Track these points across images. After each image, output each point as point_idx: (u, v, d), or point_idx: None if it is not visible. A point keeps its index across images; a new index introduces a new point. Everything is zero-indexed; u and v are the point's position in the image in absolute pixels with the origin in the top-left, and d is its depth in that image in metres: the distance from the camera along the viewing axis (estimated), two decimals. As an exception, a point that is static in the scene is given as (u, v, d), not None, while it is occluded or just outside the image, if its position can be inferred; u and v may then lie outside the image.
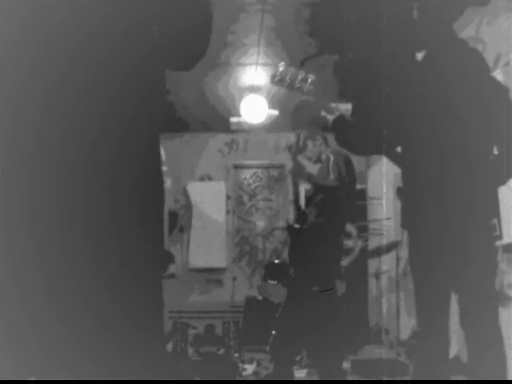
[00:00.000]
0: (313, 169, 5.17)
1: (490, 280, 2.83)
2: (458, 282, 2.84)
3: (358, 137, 2.99)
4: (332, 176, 4.92)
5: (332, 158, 4.99)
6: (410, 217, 2.92)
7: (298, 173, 5.15)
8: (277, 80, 2.86)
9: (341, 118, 2.95)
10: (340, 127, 2.95)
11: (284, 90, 2.91)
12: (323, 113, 2.97)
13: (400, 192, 2.96)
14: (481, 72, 2.94)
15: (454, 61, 2.90)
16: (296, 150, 5.17)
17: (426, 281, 2.86)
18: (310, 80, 2.85)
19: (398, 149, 2.99)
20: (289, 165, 5.24)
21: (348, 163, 4.96)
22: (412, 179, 2.91)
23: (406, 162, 2.93)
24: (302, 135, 5.14)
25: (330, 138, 4.37)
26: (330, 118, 2.95)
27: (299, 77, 2.84)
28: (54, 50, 1.88)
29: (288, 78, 2.84)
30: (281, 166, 9.28)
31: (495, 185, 2.89)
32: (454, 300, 2.89)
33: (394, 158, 3.00)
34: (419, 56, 2.95)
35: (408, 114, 2.87)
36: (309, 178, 5.16)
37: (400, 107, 2.87)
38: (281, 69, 2.85)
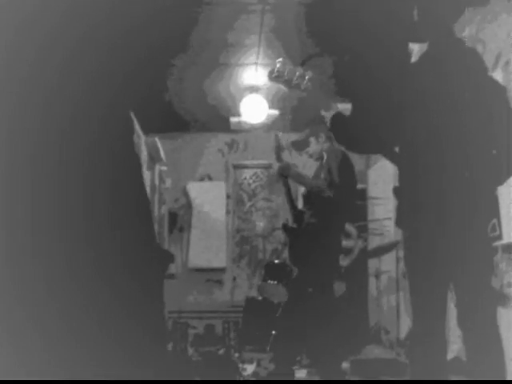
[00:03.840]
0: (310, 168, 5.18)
1: (488, 279, 2.82)
2: (456, 281, 2.84)
3: (356, 135, 2.97)
4: (322, 175, 4.90)
5: (325, 157, 4.97)
6: (406, 216, 2.91)
7: (285, 173, 5.15)
8: (274, 76, 2.84)
9: (339, 116, 2.93)
10: (338, 125, 2.94)
11: (281, 86, 2.89)
12: (322, 111, 2.96)
13: (397, 191, 2.95)
14: (479, 72, 2.94)
15: (453, 60, 2.90)
16: (278, 151, 5.20)
17: (422, 280, 2.85)
18: (307, 77, 2.83)
19: (396, 149, 2.98)
20: (275, 165, 5.29)
21: (345, 163, 4.90)
22: (409, 178, 2.90)
23: (404, 161, 2.93)
24: (279, 137, 5.24)
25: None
26: (328, 115, 2.94)
27: (297, 73, 2.82)
28: (53, 51, 1.89)
29: (286, 74, 2.82)
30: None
31: (494, 184, 2.88)
32: (452, 299, 2.89)
33: (392, 157, 2.99)
34: (415, 56, 2.95)
35: (406, 113, 2.87)
36: (295, 177, 5.16)
37: (398, 106, 2.87)
38: (278, 65, 2.83)
